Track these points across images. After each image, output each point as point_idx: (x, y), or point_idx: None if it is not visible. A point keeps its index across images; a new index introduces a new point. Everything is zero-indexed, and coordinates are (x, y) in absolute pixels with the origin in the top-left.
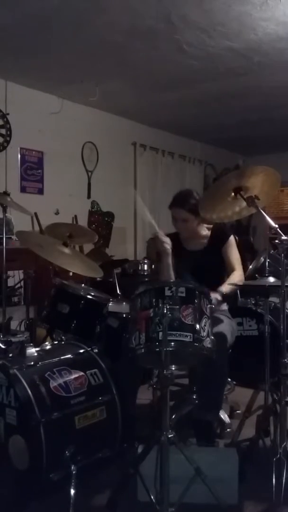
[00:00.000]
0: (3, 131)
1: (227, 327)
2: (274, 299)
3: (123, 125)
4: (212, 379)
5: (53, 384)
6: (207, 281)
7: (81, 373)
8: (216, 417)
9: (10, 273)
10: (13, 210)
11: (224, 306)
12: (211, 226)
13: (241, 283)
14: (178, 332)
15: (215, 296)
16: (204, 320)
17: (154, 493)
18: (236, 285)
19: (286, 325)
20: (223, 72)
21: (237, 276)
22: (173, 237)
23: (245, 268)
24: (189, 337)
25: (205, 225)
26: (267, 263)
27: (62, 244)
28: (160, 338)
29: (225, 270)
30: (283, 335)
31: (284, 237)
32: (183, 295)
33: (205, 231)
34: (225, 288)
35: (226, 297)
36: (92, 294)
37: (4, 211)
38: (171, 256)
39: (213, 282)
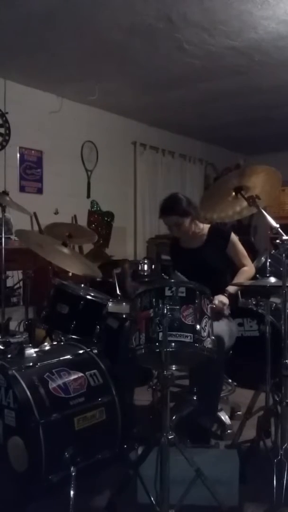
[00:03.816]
0: (2, 130)
1: (225, 328)
2: (275, 300)
3: (123, 124)
4: (207, 384)
5: (52, 385)
6: (207, 278)
7: (81, 374)
8: (210, 424)
9: (9, 273)
10: (12, 210)
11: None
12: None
13: (252, 275)
14: (179, 333)
15: (220, 299)
16: (204, 320)
17: (154, 494)
18: (241, 284)
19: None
20: (223, 71)
21: (246, 271)
22: (173, 239)
23: None
24: (189, 337)
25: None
26: (268, 263)
27: (61, 244)
28: (160, 339)
29: (225, 269)
30: (284, 335)
31: (285, 237)
32: (184, 295)
33: (200, 227)
34: (232, 288)
35: (231, 298)
36: (92, 294)
37: (3, 210)
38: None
39: (213, 279)
